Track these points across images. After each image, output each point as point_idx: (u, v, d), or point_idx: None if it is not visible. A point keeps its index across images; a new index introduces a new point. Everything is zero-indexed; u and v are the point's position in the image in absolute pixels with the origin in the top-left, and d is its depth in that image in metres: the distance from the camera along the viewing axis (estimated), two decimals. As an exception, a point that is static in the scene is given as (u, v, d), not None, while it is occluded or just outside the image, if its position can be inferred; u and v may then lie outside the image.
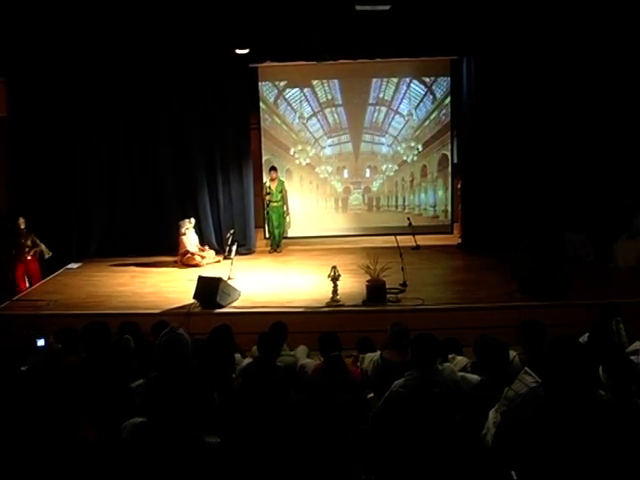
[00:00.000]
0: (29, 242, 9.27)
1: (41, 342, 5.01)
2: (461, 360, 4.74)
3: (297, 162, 11.55)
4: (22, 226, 9.25)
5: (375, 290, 7.74)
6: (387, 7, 7.87)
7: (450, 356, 4.81)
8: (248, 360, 4.84)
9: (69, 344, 4.98)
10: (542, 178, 10.18)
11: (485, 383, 3.89)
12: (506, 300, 7.73)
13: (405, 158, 11.51)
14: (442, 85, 11.17)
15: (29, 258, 9.26)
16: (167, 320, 5.70)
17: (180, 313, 7.61)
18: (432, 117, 11.30)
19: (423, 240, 10.63)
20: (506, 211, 10.29)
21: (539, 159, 10.17)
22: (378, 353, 4.66)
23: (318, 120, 11.45)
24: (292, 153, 11.51)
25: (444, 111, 11.24)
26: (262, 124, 11.33)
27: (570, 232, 9.75)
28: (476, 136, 10.46)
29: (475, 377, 4.07)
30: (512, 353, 4.24)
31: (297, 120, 11.43)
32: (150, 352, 4.32)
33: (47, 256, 9.48)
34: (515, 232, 9.72)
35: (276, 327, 5.35)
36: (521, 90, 10.08)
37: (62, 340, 5.02)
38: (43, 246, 9.41)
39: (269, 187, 10.83)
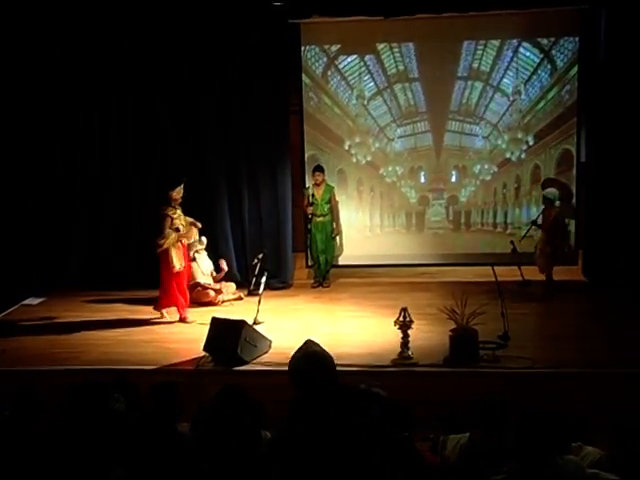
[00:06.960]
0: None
1: None
2: (592, 452, 4.62)
3: (354, 160, 11.59)
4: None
5: (463, 344, 7.68)
6: None
7: (575, 445, 4.68)
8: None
9: (28, 411, 5.03)
10: None
11: (629, 488, 3.75)
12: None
13: (508, 155, 11.42)
14: (566, 49, 11.05)
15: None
16: (169, 380, 5.73)
17: (186, 371, 7.64)
18: (550, 96, 11.18)
19: (534, 273, 10.43)
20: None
21: None
22: (467, 435, 4.65)
23: (384, 101, 11.49)
24: (347, 147, 11.56)
25: (568, 87, 11.10)
26: (305, 106, 11.43)
27: None
28: (615, 124, 10.31)
29: (614, 478, 3.96)
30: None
31: (355, 101, 11.49)
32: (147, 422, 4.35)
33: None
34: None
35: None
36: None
37: (17, 405, 5.06)
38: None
39: (312, 195, 10.87)
